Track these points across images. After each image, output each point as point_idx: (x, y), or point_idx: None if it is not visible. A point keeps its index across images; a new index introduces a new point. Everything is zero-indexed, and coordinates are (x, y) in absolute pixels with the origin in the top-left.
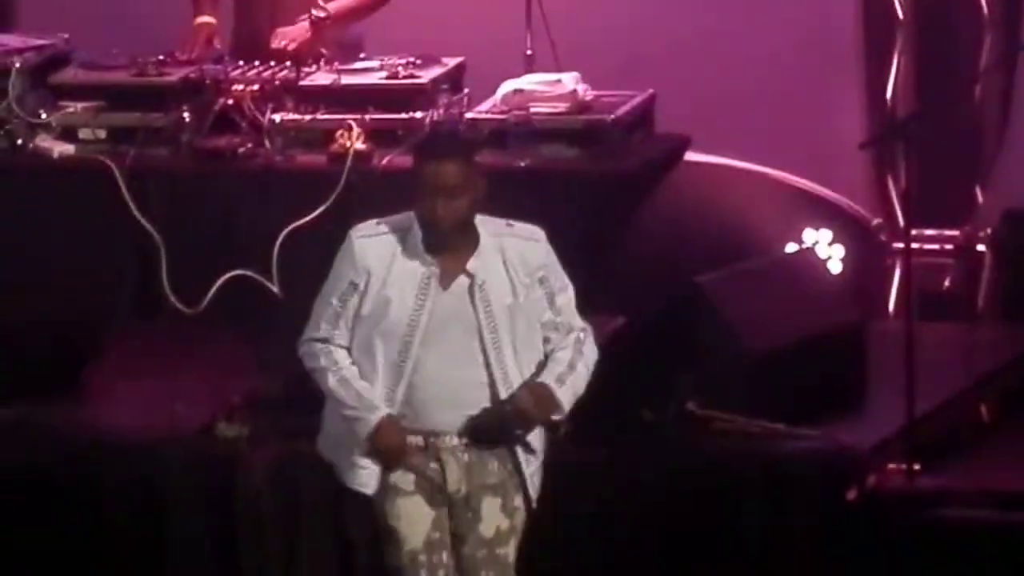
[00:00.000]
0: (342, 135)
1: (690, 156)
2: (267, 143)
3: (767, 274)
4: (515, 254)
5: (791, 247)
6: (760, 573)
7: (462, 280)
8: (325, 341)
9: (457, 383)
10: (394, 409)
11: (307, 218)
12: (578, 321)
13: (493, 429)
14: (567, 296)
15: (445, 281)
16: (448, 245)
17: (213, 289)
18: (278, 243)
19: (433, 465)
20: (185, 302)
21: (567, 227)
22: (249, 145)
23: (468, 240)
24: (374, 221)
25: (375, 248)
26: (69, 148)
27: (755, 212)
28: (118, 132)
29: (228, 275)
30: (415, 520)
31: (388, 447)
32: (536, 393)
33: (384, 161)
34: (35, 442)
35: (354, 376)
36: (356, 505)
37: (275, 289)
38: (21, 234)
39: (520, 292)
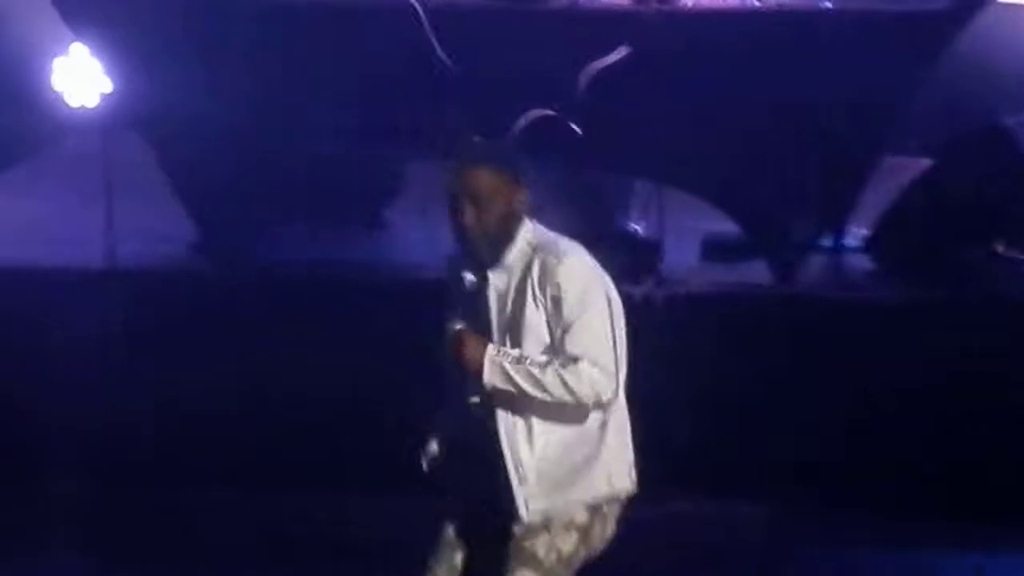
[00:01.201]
0: None
1: None
2: None
3: None
4: (539, 269)
5: None
6: None
7: (483, 285)
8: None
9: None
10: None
11: (609, 59)
12: (579, 352)
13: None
14: (577, 324)
15: (471, 286)
16: (477, 252)
17: (517, 128)
18: (581, 83)
19: None
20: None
21: (874, 69)
22: None
23: (500, 249)
24: None
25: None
26: None
27: None
28: None
29: (532, 114)
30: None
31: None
32: (479, 341)
33: (689, 2)
34: None
35: None
36: None
37: (576, 129)
38: (323, 71)
39: (534, 305)
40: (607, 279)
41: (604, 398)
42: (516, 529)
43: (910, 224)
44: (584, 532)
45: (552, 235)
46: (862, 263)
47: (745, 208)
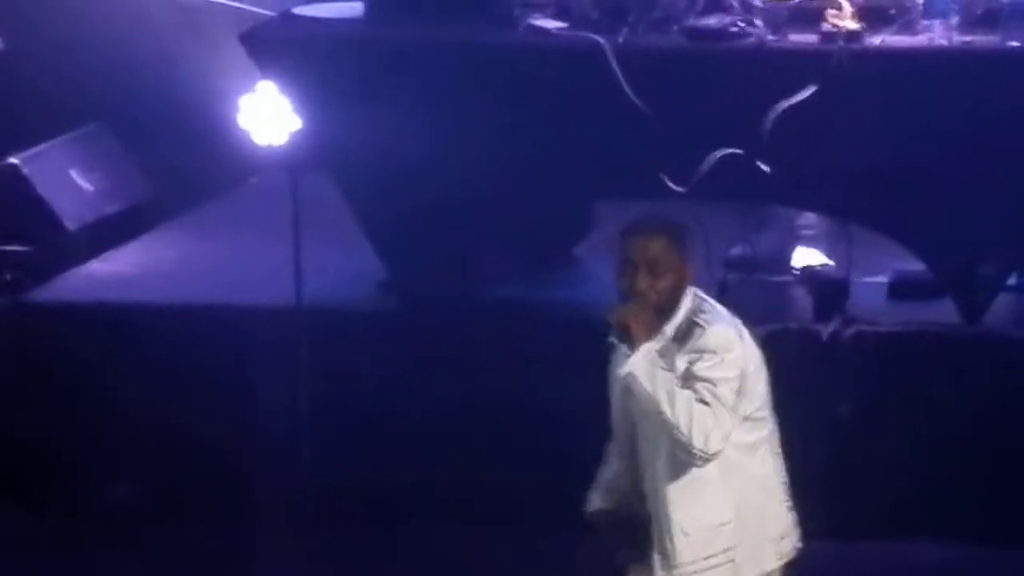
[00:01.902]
0: (834, 14)
1: None
2: (758, 23)
3: None
4: (689, 337)
5: None
6: None
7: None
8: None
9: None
10: None
11: (798, 97)
12: (708, 398)
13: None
14: (707, 381)
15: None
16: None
17: (704, 166)
18: (768, 122)
19: None
20: (674, 180)
21: None
22: (741, 24)
23: (663, 318)
24: None
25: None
26: (563, 25)
27: None
28: (611, 10)
29: (719, 153)
30: None
31: None
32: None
33: (877, 41)
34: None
35: None
36: None
37: (766, 168)
38: (515, 110)
39: (679, 369)
40: (753, 352)
41: (709, 452)
42: None
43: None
44: None
45: (712, 306)
46: None
47: (932, 247)
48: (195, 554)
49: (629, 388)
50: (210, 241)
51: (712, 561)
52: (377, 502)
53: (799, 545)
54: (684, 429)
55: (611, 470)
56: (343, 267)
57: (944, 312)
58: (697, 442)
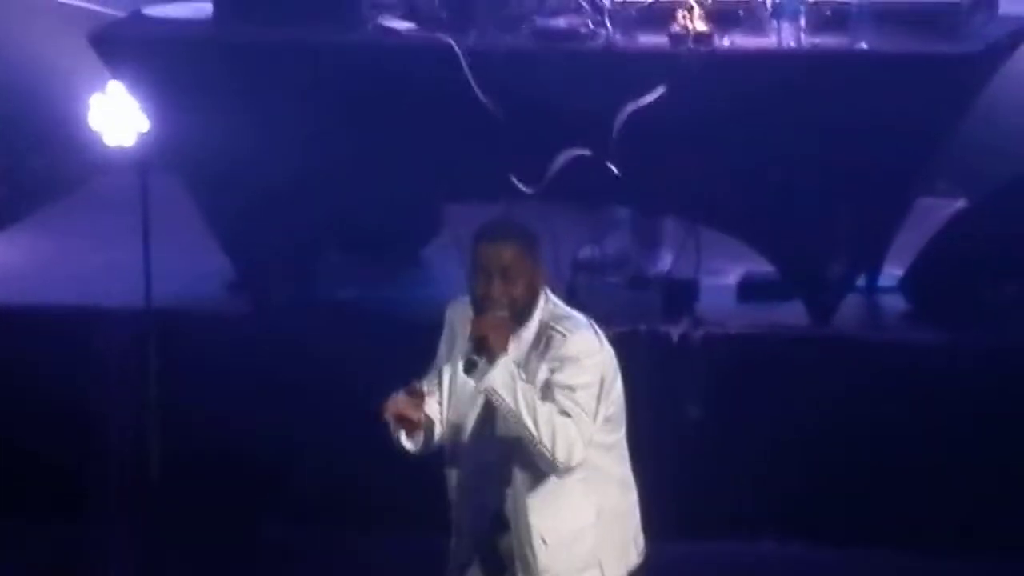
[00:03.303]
0: (683, 16)
1: None
2: (607, 23)
3: None
4: (546, 344)
5: None
6: None
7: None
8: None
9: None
10: None
11: (646, 99)
12: (568, 410)
13: None
14: (568, 389)
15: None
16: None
17: (554, 168)
18: (618, 124)
19: None
20: (524, 181)
21: (909, 110)
22: (590, 25)
23: (519, 324)
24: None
25: (459, 311)
26: (411, 26)
27: None
28: (460, 11)
29: (569, 154)
30: None
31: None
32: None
33: (725, 43)
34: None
35: None
36: None
37: (614, 169)
38: (364, 111)
39: (537, 377)
40: (610, 354)
41: (572, 463)
42: None
43: (945, 265)
44: None
45: (565, 311)
46: (897, 304)
47: (780, 249)
48: (41, 554)
49: (484, 398)
50: (58, 241)
51: (576, 564)
52: (228, 503)
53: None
54: (547, 443)
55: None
56: (192, 268)
57: (793, 314)
58: (561, 455)
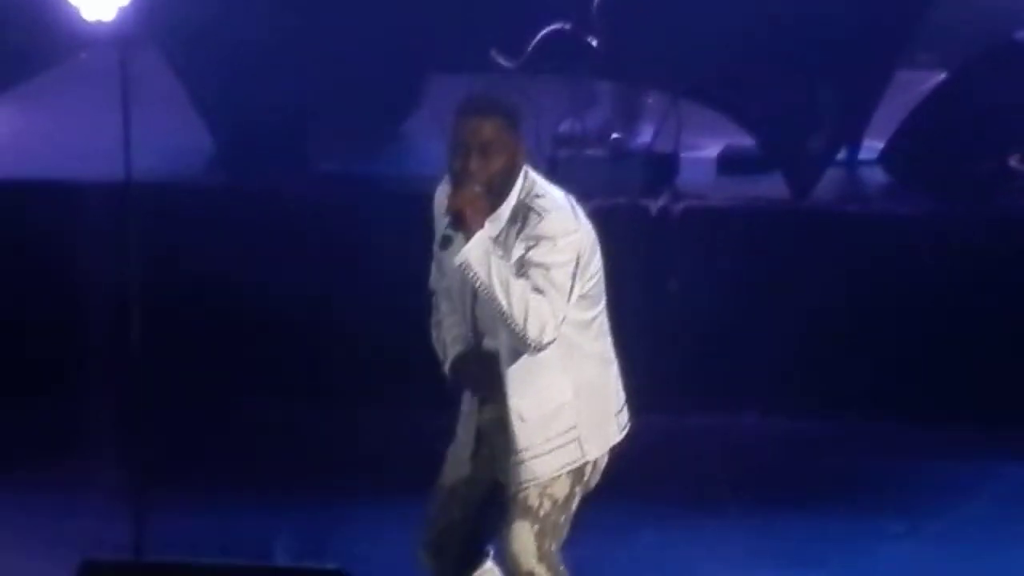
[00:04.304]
0: None
1: None
2: None
3: None
4: (523, 222)
5: None
6: None
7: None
8: (433, 292)
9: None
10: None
11: None
12: (541, 288)
13: None
14: (543, 268)
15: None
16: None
17: (535, 42)
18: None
19: None
20: (506, 56)
21: None
22: None
23: (499, 200)
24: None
25: (440, 197)
26: None
27: None
28: None
29: (549, 28)
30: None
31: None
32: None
33: None
34: None
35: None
36: None
37: (593, 43)
38: None
39: (513, 255)
40: (588, 231)
41: (544, 342)
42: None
43: (924, 138)
44: (576, 474)
45: (543, 188)
46: (877, 177)
47: (761, 122)
48: (20, 427)
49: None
50: (37, 116)
51: (554, 443)
52: (210, 377)
53: (628, 420)
54: (519, 320)
55: (453, 324)
56: (173, 142)
57: (773, 187)
58: (532, 333)
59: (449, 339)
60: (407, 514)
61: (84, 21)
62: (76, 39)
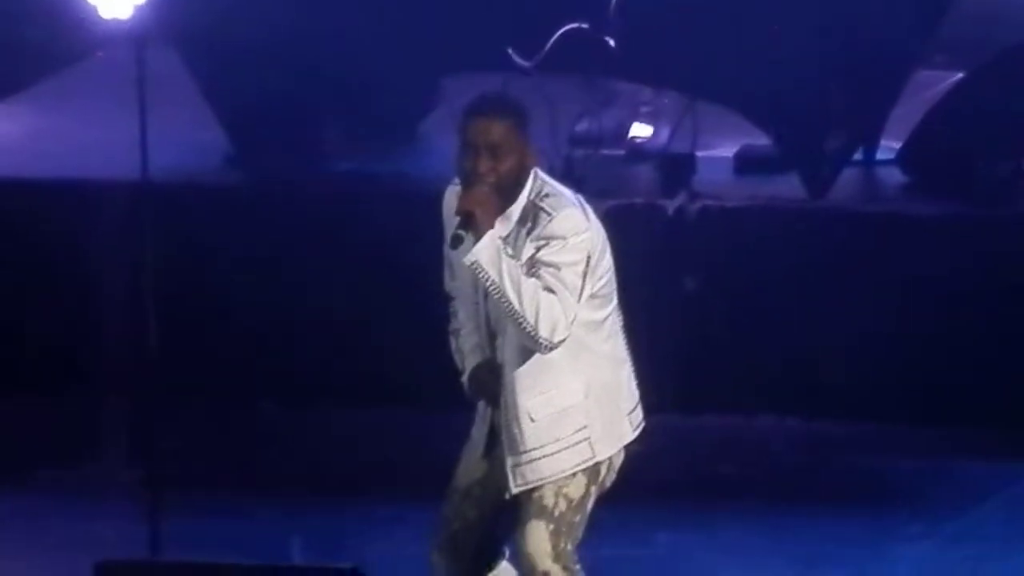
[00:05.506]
0: None
1: None
2: None
3: None
4: (534, 222)
5: None
6: None
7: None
8: (451, 298)
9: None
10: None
11: None
12: (552, 287)
13: None
14: (553, 268)
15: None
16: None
17: (552, 41)
18: None
19: None
20: (522, 55)
21: None
22: None
23: (509, 201)
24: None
25: (449, 198)
26: None
27: None
28: None
29: (566, 28)
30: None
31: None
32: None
33: None
34: None
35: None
36: None
37: (611, 42)
38: None
39: (524, 255)
40: (598, 230)
41: (555, 341)
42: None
43: (942, 138)
44: (591, 474)
45: (553, 188)
46: (894, 177)
47: (778, 122)
48: (37, 427)
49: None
50: (54, 115)
51: (563, 443)
52: (224, 378)
53: (643, 419)
54: (531, 319)
55: (470, 332)
56: (189, 141)
57: (790, 187)
58: (544, 332)
59: (467, 349)
60: (422, 514)
61: (101, 20)
62: (93, 38)
